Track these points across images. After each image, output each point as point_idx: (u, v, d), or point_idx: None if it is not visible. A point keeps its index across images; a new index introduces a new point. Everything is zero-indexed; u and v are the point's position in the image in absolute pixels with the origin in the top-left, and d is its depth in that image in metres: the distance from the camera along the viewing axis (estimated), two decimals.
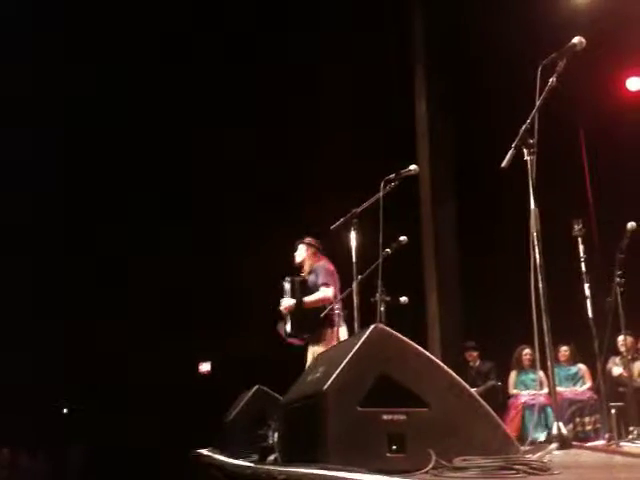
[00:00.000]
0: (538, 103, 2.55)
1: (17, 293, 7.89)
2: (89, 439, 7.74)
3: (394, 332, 2.18)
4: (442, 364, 2.19)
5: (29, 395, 7.57)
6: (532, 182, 2.54)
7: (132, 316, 8.30)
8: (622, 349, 6.52)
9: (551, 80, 2.58)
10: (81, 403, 7.72)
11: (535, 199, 2.56)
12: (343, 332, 4.70)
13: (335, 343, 4.48)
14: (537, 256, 2.52)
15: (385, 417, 2.05)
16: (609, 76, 8.13)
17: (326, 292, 4.54)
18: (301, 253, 4.95)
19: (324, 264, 4.76)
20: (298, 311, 4.53)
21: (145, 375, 8.06)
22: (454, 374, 2.18)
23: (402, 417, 2.04)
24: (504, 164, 2.54)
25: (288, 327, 4.56)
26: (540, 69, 2.61)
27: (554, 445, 2.29)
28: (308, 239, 4.98)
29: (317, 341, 4.56)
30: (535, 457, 1.99)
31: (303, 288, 4.65)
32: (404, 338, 2.18)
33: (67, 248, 8.40)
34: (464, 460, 1.88)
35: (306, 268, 4.86)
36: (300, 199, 8.08)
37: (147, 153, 8.53)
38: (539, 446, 2.41)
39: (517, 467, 1.75)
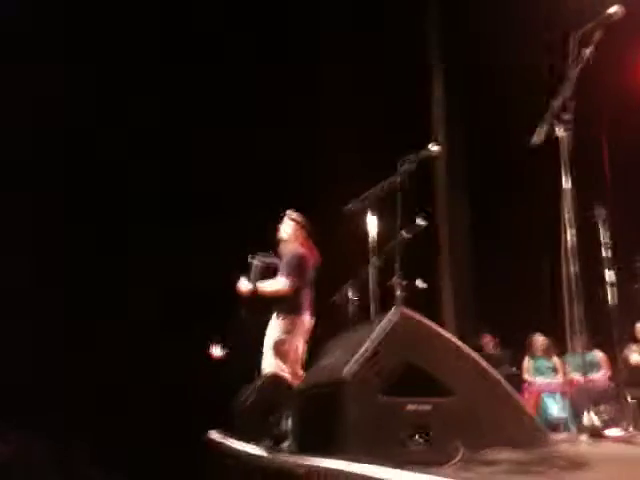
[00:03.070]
0: (574, 74, 2.39)
1: (16, 292, 7.82)
2: (93, 430, 7.64)
3: (420, 316, 2.05)
4: (471, 350, 2.06)
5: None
6: (566, 160, 2.39)
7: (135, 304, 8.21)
8: (639, 336, 6.40)
9: (588, 50, 2.42)
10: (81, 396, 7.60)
11: (569, 179, 2.41)
12: (309, 321, 4.59)
13: (299, 332, 4.43)
14: (569, 238, 2.38)
15: (410, 407, 1.93)
16: (627, 61, 7.92)
17: (282, 283, 4.37)
18: (287, 229, 4.66)
19: (297, 250, 4.50)
20: (253, 295, 4.42)
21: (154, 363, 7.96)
22: (483, 361, 2.06)
23: (427, 407, 1.92)
24: (536, 140, 2.39)
25: (243, 309, 4.53)
26: (576, 39, 2.45)
27: (585, 437, 2.18)
28: (300, 218, 4.67)
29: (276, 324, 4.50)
30: (569, 450, 1.87)
31: (267, 272, 4.50)
32: (430, 323, 2.05)
33: (67, 247, 8.30)
34: (493, 453, 1.77)
35: (290, 247, 4.59)
36: (312, 183, 7.91)
37: (147, 153, 8.40)
38: (570, 437, 2.30)
39: (552, 462, 1.63)
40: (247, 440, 3.63)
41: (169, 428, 7.14)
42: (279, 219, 4.78)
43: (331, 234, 5.26)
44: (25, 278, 7.80)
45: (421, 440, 1.90)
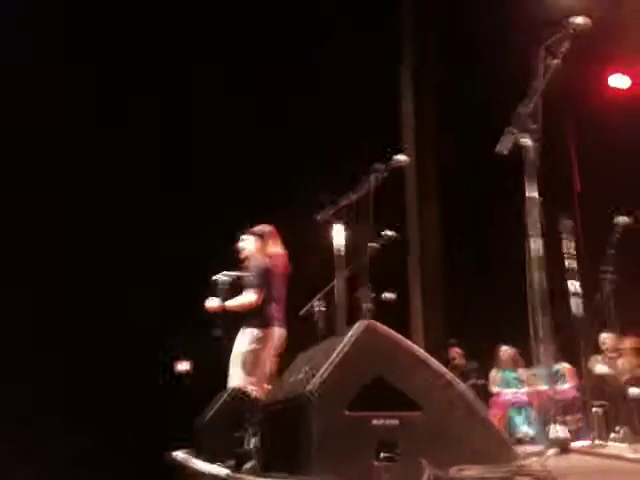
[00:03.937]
0: (541, 85, 2.39)
1: (16, 292, 7.60)
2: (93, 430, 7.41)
3: (386, 329, 2.00)
4: (437, 363, 2.01)
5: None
6: (531, 169, 2.38)
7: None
8: (603, 347, 6.45)
9: (555, 61, 2.42)
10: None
11: (533, 188, 2.41)
12: (279, 333, 4.54)
13: (269, 344, 4.38)
14: (533, 247, 2.37)
15: (375, 422, 1.87)
16: (592, 72, 8.07)
17: (248, 297, 4.38)
18: (248, 245, 4.62)
19: (261, 262, 4.48)
20: (222, 313, 4.45)
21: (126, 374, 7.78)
22: (450, 374, 2.01)
23: (394, 422, 1.86)
24: (504, 151, 2.37)
25: (215, 328, 4.48)
26: (542, 50, 2.45)
27: (553, 450, 2.15)
28: (258, 229, 4.63)
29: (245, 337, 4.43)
30: (538, 465, 1.83)
31: (237, 287, 4.49)
32: (396, 335, 2.00)
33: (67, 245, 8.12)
34: (461, 470, 1.72)
35: (254, 261, 4.57)
36: (288, 188, 7.87)
37: (147, 153, 8.29)
38: (537, 452, 2.26)
39: (521, 478, 1.58)
40: (212, 459, 3.52)
41: (133, 447, 6.97)
42: (236, 241, 4.71)
43: (301, 244, 5.22)
44: (25, 278, 7.63)
45: (387, 456, 1.84)
